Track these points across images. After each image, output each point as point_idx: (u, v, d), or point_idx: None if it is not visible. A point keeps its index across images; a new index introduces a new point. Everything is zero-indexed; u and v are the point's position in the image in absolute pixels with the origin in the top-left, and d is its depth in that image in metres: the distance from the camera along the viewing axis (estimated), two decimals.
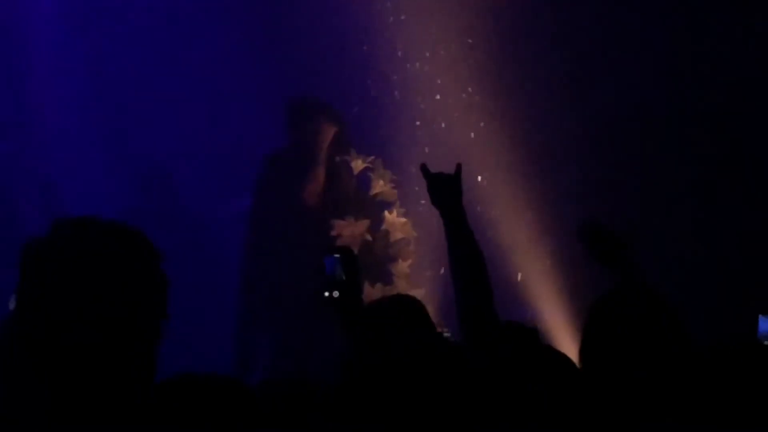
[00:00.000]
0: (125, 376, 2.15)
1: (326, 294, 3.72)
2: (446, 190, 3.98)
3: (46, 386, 2.13)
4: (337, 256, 3.71)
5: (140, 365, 2.17)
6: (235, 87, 8.92)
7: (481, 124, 8.28)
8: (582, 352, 3.11)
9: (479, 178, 8.16)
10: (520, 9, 8.28)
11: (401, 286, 7.28)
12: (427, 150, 8.14)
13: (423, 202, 7.85)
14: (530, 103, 8.31)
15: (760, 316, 6.12)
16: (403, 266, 7.39)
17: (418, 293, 7.13)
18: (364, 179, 7.62)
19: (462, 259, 3.85)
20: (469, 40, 8.32)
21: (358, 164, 7.52)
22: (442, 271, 7.56)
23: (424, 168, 4.08)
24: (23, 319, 2.16)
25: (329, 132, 7.55)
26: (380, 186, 7.51)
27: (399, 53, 8.37)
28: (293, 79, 8.48)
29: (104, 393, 2.13)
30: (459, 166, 4.03)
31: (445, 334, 4.10)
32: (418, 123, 8.31)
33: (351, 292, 3.71)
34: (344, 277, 3.70)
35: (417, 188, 7.63)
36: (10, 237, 8.43)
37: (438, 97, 8.37)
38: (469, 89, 8.32)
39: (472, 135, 8.28)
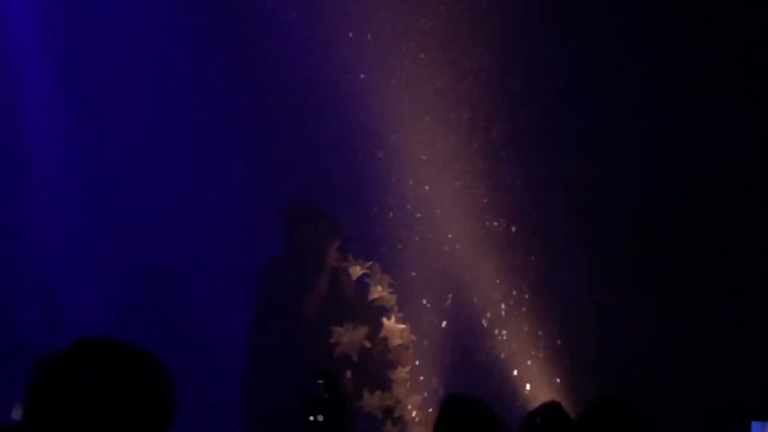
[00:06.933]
0: None
1: (311, 418, 3.78)
2: None
3: None
4: (320, 381, 3.78)
5: None
6: (239, 193, 8.99)
7: (484, 223, 8.36)
8: None
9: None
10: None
11: (400, 393, 7.27)
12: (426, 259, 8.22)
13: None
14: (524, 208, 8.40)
15: (752, 422, 6.15)
16: (402, 372, 7.38)
17: (417, 400, 7.17)
18: (362, 284, 7.64)
19: None
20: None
21: (356, 270, 7.55)
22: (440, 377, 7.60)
23: None
24: None
25: (329, 238, 7.59)
26: (378, 291, 7.53)
27: (394, 158, 8.47)
28: (293, 185, 8.56)
29: None
30: None
31: None
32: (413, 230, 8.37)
33: (335, 416, 3.78)
34: (328, 401, 3.76)
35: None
36: (7, 343, 8.47)
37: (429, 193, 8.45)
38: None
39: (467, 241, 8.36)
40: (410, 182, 8.37)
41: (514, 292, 8.31)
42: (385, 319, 7.44)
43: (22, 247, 9.09)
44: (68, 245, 9.27)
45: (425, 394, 7.34)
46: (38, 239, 9.25)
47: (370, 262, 7.59)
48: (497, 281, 8.27)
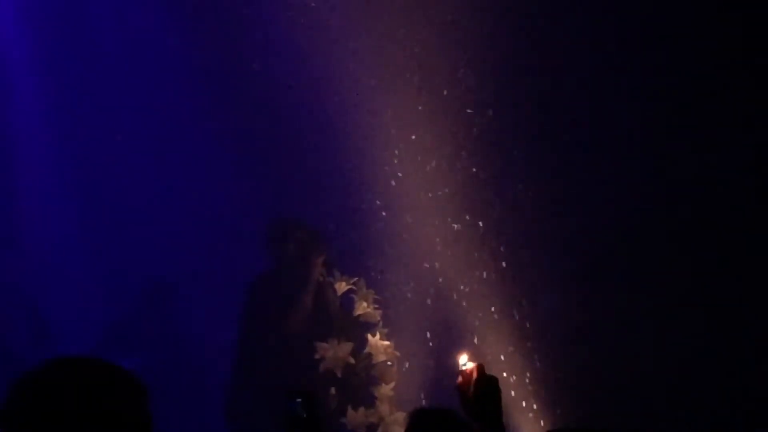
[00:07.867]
0: None
1: None
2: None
3: None
4: (299, 400, 3.87)
5: None
6: (226, 208, 8.99)
7: (472, 241, 8.38)
8: None
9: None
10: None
11: (384, 410, 7.26)
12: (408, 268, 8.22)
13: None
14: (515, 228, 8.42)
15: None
16: (386, 389, 7.38)
17: (400, 417, 7.16)
18: (347, 300, 7.64)
19: None
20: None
21: (341, 285, 7.56)
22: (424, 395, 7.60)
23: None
24: None
25: (315, 255, 7.61)
26: (363, 307, 7.54)
27: (383, 169, 8.47)
28: (284, 200, 8.57)
29: None
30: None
31: None
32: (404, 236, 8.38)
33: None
34: (305, 420, 3.85)
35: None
36: None
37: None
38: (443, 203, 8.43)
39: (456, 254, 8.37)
40: (398, 197, 8.39)
41: (501, 310, 8.32)
42: (369, 336, 7.45)
43: (11, 256, 9.09)
44: (57, 257, 9.27)
45: (409, 412, 7.31)
46: (27, 249, 9.25)
47: (356, 278, 7.59)
48: (484, 298, 8.28)
